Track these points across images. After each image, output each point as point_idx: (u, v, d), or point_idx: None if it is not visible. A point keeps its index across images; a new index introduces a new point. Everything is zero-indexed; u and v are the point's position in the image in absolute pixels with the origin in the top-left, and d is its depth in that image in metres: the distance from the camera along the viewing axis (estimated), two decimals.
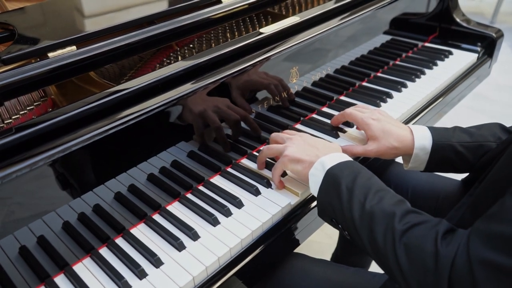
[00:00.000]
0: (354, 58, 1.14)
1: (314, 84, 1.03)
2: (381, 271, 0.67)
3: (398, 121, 0.87)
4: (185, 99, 0.75)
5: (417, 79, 1.16)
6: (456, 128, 0.83)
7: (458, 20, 1.33)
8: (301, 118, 1.00)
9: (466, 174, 0.88)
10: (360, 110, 0.89)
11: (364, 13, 1.06)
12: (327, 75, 1.06)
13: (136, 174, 0.75)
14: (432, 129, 0.82)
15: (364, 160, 0.90)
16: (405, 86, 1.13)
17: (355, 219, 0.63)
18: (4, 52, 0.68)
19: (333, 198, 0.66)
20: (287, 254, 0.81)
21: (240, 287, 0.71)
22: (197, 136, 0.81)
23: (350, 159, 0.72)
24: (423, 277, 0.53)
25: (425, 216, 0.59)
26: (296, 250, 0.84)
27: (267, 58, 0.86)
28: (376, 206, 0.61)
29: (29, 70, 0.67)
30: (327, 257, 1.38)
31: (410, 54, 1.30)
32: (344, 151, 0.83)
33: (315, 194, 0.71)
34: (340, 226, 0.67)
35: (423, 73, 1.18)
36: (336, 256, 1.33)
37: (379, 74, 1.20)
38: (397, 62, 1.25)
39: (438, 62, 1.23)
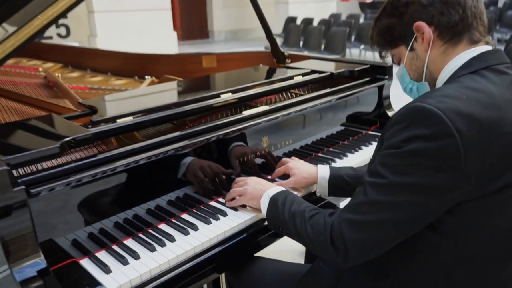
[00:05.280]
0: (315, 140, 1.64)
1: (280, 151, 1.52)
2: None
3: (310, 164, 1.37)
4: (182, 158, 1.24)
5: (355, 152, 1.65)
6: (348, 167, 1.32)
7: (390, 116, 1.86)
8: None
9: None
10: (284, 163, 1.40)
11: (313, 106, 1.59)
12: (291, 146, 1.55)
13: (152, 204, 1.21)
14: (332, 167, 1.31)
15: None
16: (346, 156, 1.61)
17: (286, 220, 1.06)
18: (92, 119, 1.21)
19: (274, 212, 1.11)
20: (249, 254, 1.22)
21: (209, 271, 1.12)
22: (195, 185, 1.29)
23: (285, 189, 1.18)
24: (319, 239, 0.96)
25: (323, 210, 1.03)
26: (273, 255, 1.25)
27: (244, 128, 1.37)
28: (297, 209, 1.06)
29: (105, 128, 1.18)
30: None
31: (355, 138, 1.81)
32: (279, 184, 1.33)
33: (265, 213, 1.16)
34: (280, 229, 1.10)
35: (361, 148, 1.68)
36: (308, 252, 1.66)
37: (331, 149, 1.70)
38: (345, 143, 1.76)
39: (373, 142, 1.73)
